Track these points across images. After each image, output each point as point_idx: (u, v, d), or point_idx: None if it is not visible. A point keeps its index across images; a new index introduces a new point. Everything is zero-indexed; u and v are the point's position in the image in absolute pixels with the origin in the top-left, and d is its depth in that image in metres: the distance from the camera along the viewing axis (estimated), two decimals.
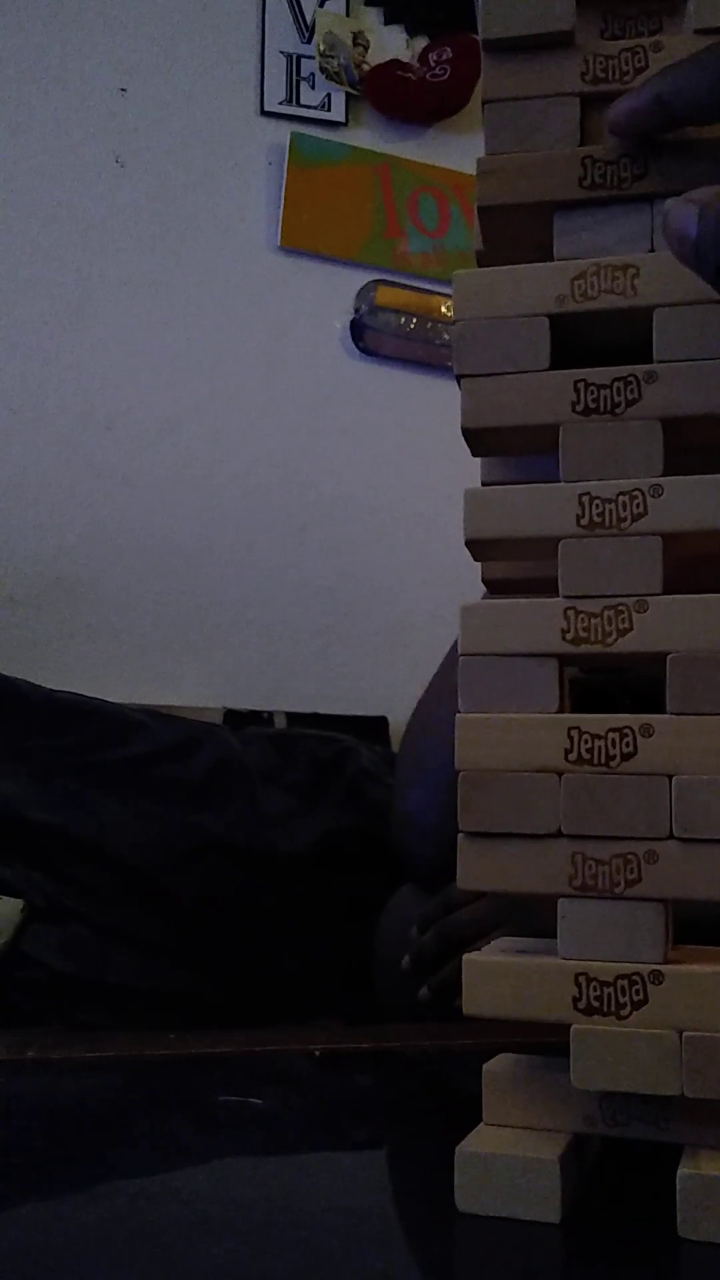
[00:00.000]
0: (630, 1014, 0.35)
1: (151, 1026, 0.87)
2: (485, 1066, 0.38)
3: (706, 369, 0.36)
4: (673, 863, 0.35)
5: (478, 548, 0.39)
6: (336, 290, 1.68)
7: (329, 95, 1.70)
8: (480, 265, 0.40)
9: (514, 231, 0.39)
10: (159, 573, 1.59)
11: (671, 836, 0.35)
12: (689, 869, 0.35)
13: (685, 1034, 0.34)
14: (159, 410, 1.61)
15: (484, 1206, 0.35)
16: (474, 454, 0.41)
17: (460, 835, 0.37)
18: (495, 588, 0.44)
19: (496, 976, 0.36)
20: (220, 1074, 0.56)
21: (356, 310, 1.68)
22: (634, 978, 0.35)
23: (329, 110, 1.70)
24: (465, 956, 0.37)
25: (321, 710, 1.48)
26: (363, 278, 1.69)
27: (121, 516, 1.58)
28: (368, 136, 1.72)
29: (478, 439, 0.39)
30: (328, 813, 1.08)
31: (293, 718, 1.45)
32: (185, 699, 1.44)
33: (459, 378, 0.38)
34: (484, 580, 0.44)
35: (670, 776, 0.35)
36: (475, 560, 0.42)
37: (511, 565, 0.42)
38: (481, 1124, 0.37)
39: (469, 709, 0.37)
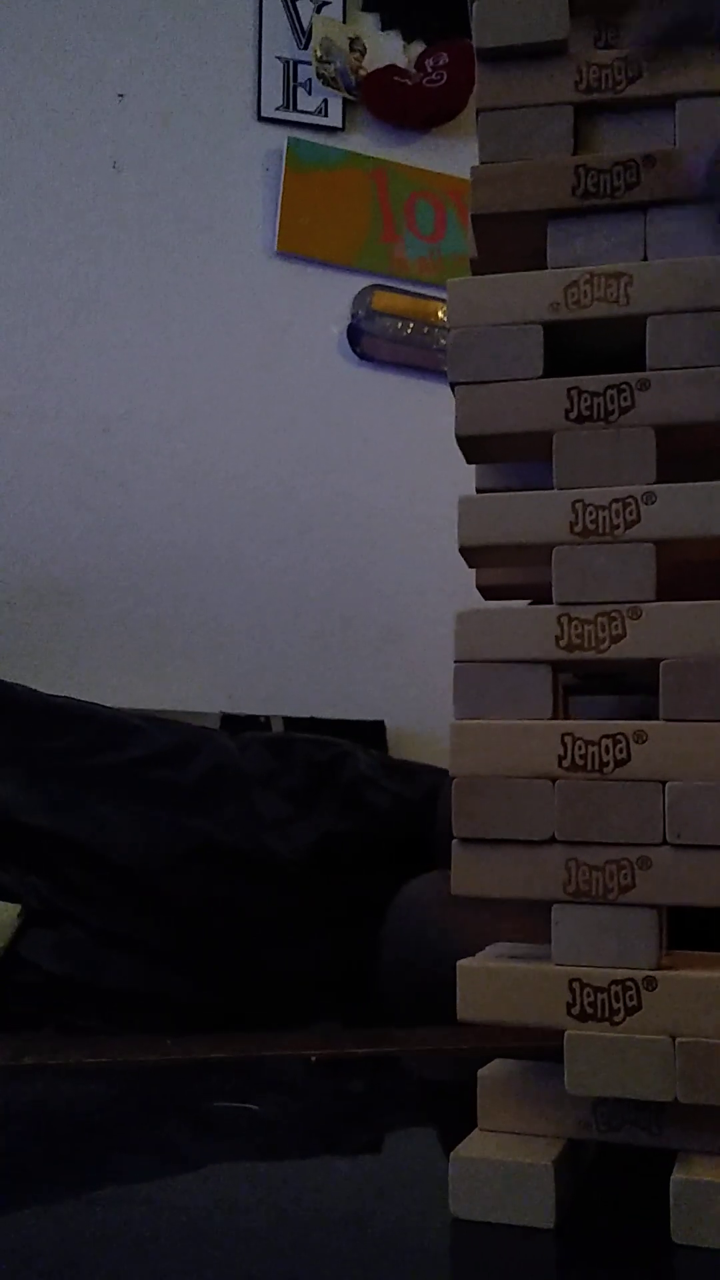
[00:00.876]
0: (624, 1020, 0.35)
1: (147, 1030, 0.87)
2: (480, 1072, 0.38)
3: (699, 377, 0.36)
4: (666, 869, 0.35)
5: (472, 554, 0.39)
6: (333, 295, 1.68)
7: (326, 101, 1.70)
8: (475, 273, 0.41)
9: (508, 239, 0.40)
10: (156, 577, 1.59)
11: (665, 843, 0.35)
12: (682, 875, 0.35)
13: (679, 1040, 0.34)
14: (156, 415, 1.61)
15: (478, 1212, 0.35)
16: (468, 461, 0.41)
17: (455, 841, 0.37)
18: (490, 594, 0.44)
19: (491, 982, 0.36)
20: (216, 1079, 0.56)
21: (353, 315, 1.68)
22: (628, 983, 0.35)
23: (326, 115, 1.70)
24: (460, 963, 0.37)
25: (319, 715, 1.48)
26: (359, 283, 1.69)
27: (118, 520, 1.58)
28: (364, 142, 1.72)
29: (472, 446, 0.39)
30: (324, 817, 1.08)
31: (290, 722, 1.45)
32: (182, 703, 1.44)
33: (453, 385, 0.38)
34: (478, 586, 0.44)
35: (664, 783, 0.35)
36: (470, 566, 0.42)
37: (506, 571, 0.43)
38: (476, 1129, 0.38)
39: (463, 715, 0.37)
